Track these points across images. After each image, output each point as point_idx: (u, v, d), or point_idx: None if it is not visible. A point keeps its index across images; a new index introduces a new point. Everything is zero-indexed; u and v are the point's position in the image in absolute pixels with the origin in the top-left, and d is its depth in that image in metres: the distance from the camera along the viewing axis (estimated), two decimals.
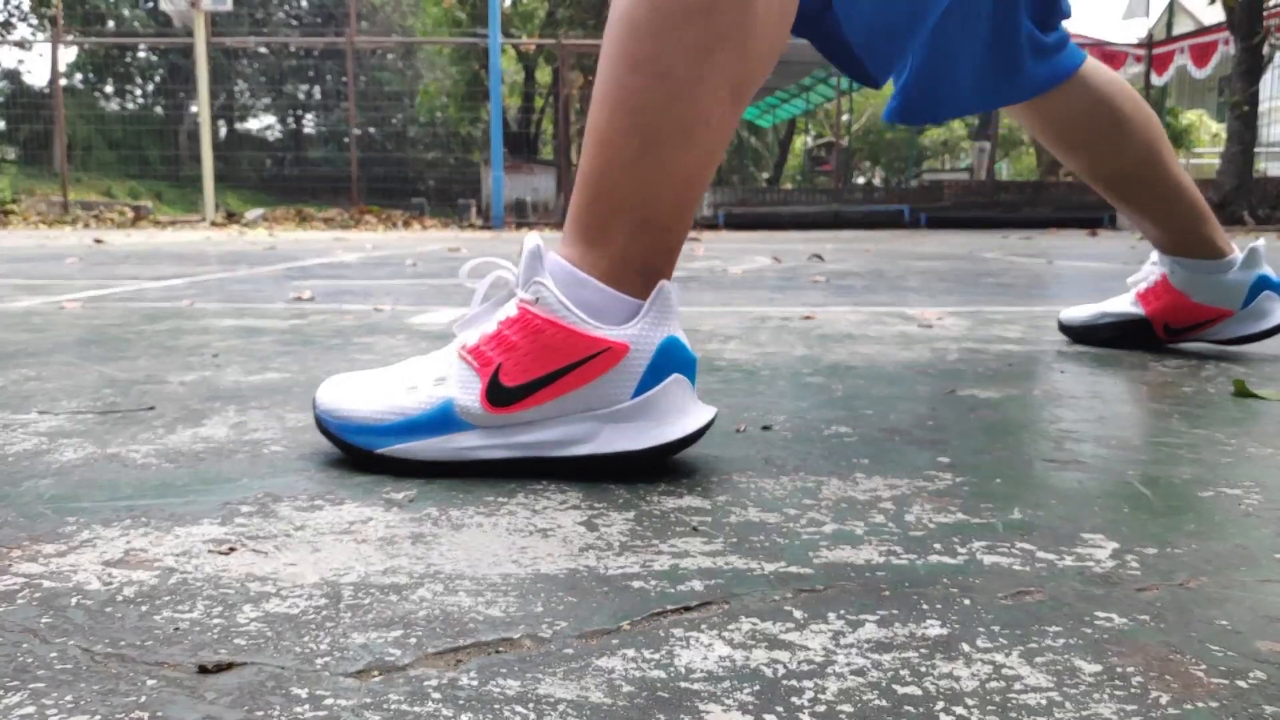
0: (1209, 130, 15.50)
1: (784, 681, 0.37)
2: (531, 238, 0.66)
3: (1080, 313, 1.33)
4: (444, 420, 0.65)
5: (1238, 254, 1.20)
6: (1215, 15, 11.63)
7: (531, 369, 0.64)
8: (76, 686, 0.36)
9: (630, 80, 0.66)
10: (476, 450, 0.65)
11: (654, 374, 0.65)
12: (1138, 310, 1.26)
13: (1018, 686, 0.37)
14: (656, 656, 0.39)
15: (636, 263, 0.67)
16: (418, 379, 0.68)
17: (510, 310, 0.66)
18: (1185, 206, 1.17)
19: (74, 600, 0.44)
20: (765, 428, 0.81)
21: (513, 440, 0.65)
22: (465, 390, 0.65)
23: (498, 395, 0.65)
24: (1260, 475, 0.67)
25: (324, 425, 0.69)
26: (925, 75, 1.08)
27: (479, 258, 0.73)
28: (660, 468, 0.68)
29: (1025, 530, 0.55)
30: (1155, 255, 1.24)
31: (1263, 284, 1.19)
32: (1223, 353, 1.26)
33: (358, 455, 0.67)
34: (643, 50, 0.65)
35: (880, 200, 11.00)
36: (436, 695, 0.36)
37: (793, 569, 0.49)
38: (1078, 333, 1.33)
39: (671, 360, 0.66)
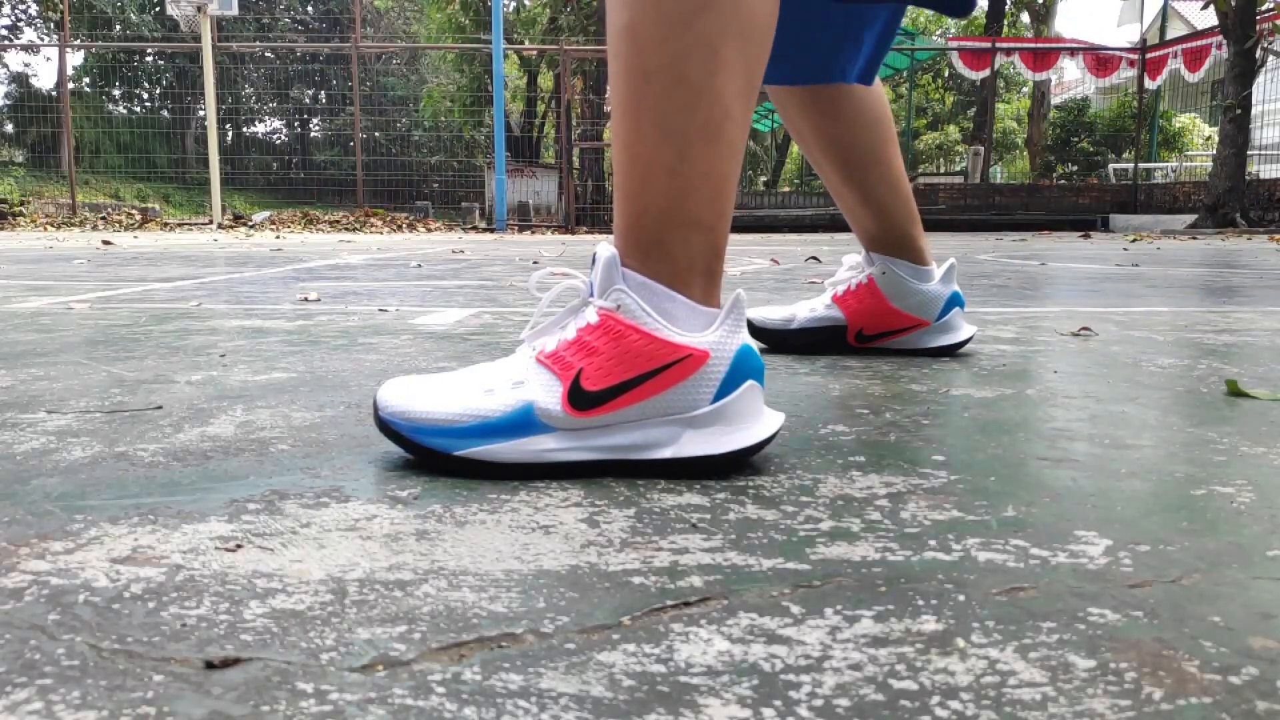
0: (1201, 134, 15.47)
1: (782, 676, 0.38)
2: (604, 247, 0.68)
3: (772, 315, 1.28)
4: (524, 423, 0.66)
5: (935, 266, 1.23)
6: (1208, 20, 11.61)
7: (614, 374, 0.65)
8: (84, 682, 0.37)
9: (648, 91, 0.67)
10: (557, 452, 0.66)
11: (731, 380, 0.67)
12: (834, 313, 1.25)
13: (1012, 681, 0.37)
14: (656, 651, 0.40)
15: (699, 267, 0.69)
16: (493, 383, 0.68)
17: (590, 317, 0.67)
18: (905, 200, 1.21)
19: (81, 597, 0.45)
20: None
21: (593, 443, 0.66)
22: (546, 394, 0.66)
23: (580, 399, 0.65)
24: (1253, 474, 0.67)
25: (392, 427, 0.68)
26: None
27: (547, 267, 0.74)
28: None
29: (1019, 527, 0.56)
30: (862, 257, 1.24)
31: (955, 300, 1.23)
32: (1215, 353, 1.26)
33: (432, 457, 0.67)
34: (653, 60, 0.66)
35: None
36: (440, 689, 0.36)
37: (790, 565, 0.49)
38: (774, 338, 1.28)
39: (745, 367, 0.67)
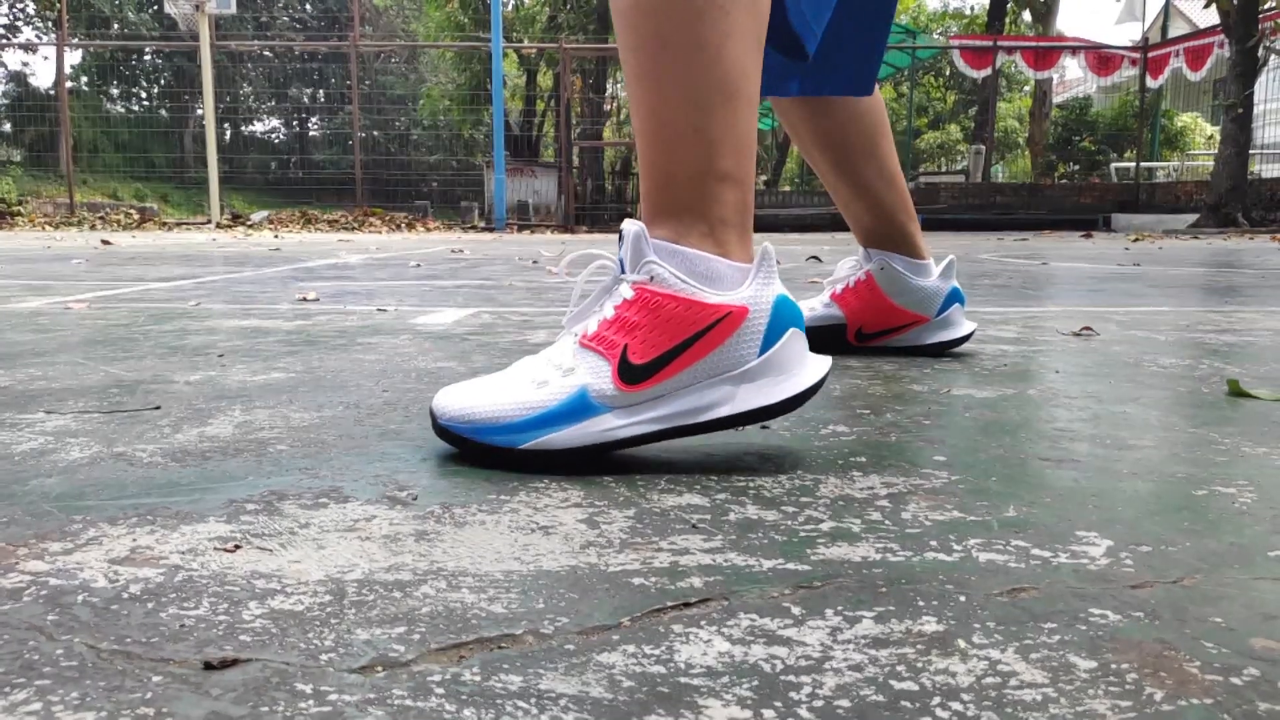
0: (1204, 133, 15.49)
1: (782, 677, 0.37)
2: (630, 223, 0.69)
3: None
4: (581, 407, 0.67)
5: (933, 261, 1.23)
6: (1210, 18, 11.61)
7: (659, 344, 0.66)
8: (82, 683, 0.37)
9: (667, 57, 0.69)
10: (618, 430, 0.67)
11: (773, 331, 0.68)
12: (833, 312, 1.25)
13: (1013, 683, 0.37)
14: (656, 652, 0.40)
15: (732, 223, 0.70)
16: (543, 374, 0.69)
17: (625, 293, 0.68)
18: (900, 193, 1.21)
19: (80, 598, 0.45)
20: (763, 426, 0.81)
21: (651, 415, 0.67)
22: (596, 375, 0.67)
23: (629, 373, 0.66)
24: (1254, 474, 0.67)
25: (454, 432, 0.69)
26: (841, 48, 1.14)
27: (576, 251, 0.76)
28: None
29: (1020, 528, 0.55)
30: (860, 255, 1.24)
31: (955, 296, 1.23)
32: (1217, 353, 1.26)
33: (497, 455, 0.67)
34: (668, 26, 0.69)
35: None
36: (440, 690, 0.36)
37: (791, 566, 0.49)
38: None
39: (785, 316, 0.69)
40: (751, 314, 0.67)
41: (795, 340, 0.69)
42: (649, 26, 0.69)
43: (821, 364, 0.70)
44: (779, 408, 0.68)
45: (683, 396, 0.67)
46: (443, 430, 0.70)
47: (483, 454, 0.68)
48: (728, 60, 0.69)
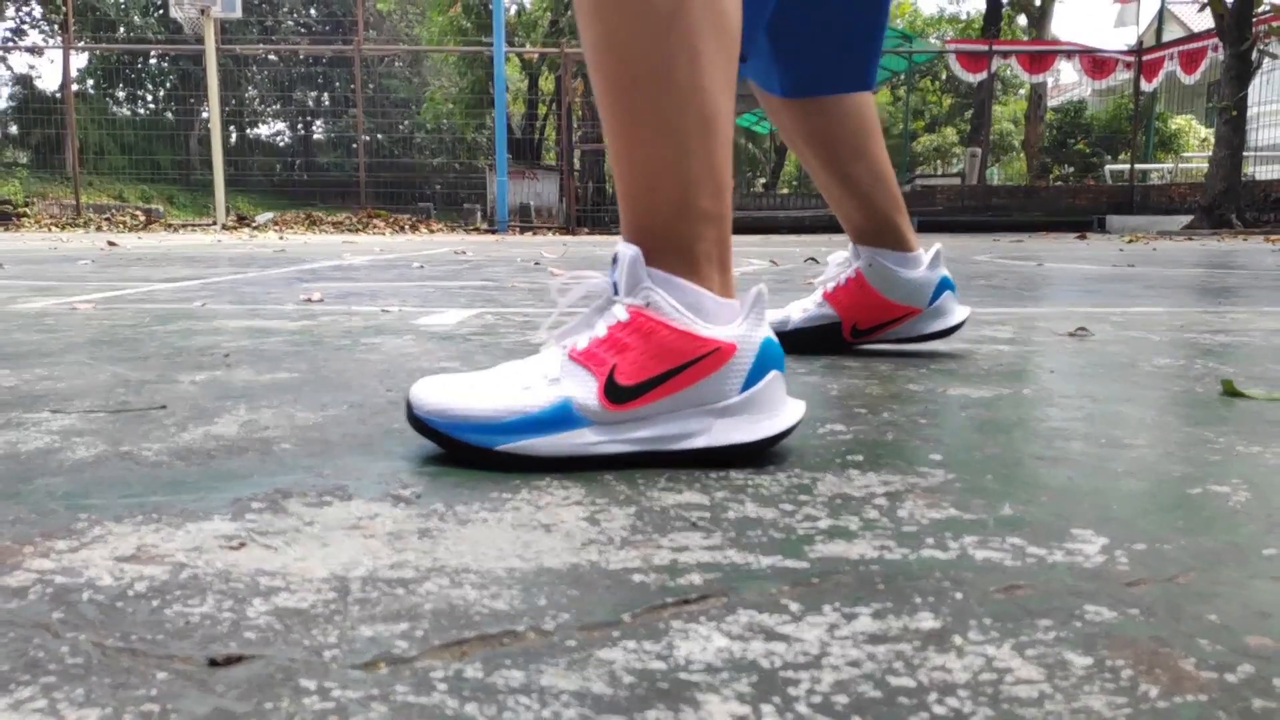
0: (1198, 135, 15.49)
1: (781, 673, 0.38)
2: (626, 247, 0.70)
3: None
4: (563, 418, 0.67)
5: (922, 251, 1.23)
6: (1205, 22, 11.62)
7: (647, 368, 0.67)
8: (88, 680, 0.37)
9: (639, 97, 0.69)
10: (596, 446, 0.68)
11: (757, 371, 0.69)
12: (827, 311, 1.25)
13: (1009, 679, 0.37)
14: (656, 648, 0.40)
15: (714, 260, 0.71)
16: (528, 380, 0.69)
17: (619, 314, 0.69)
18: (890, 189, 1.22)
19: (86, 595, 0.45)
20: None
21: (630, 435, 0.68)
22: (583, 389, 0.68)
23: (615, 393, 0.67)
24: (1248, 473, 0.67)
25: (430, 425, 0.69)
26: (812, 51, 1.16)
27: (568, 272, 0.77)
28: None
29: (1016, 526, 0.56)
30: (849, 251, 1.25)
31: (945, 285, 1.23)
32: (1211, 353, 1.26)
33: (472, 453, 0.68)
34: (639, 67, 0.69)
35: None
36: (442, 686, 0.37)
37: (789, 563, 0.50)
38: None
39: (769, 357, 0.70)
40: (739, 351, 0.68)
41: (776, 383, 0.70)
42: (618, 67, 0.69)
43: (797, 408, 0.72)
44: (753, 446, 0.69)
45: (663, 422, 0.68)
46: (418, 422, 0.69)
47: (455, 450, 0.69)
48: (702, 99, 0.69)
